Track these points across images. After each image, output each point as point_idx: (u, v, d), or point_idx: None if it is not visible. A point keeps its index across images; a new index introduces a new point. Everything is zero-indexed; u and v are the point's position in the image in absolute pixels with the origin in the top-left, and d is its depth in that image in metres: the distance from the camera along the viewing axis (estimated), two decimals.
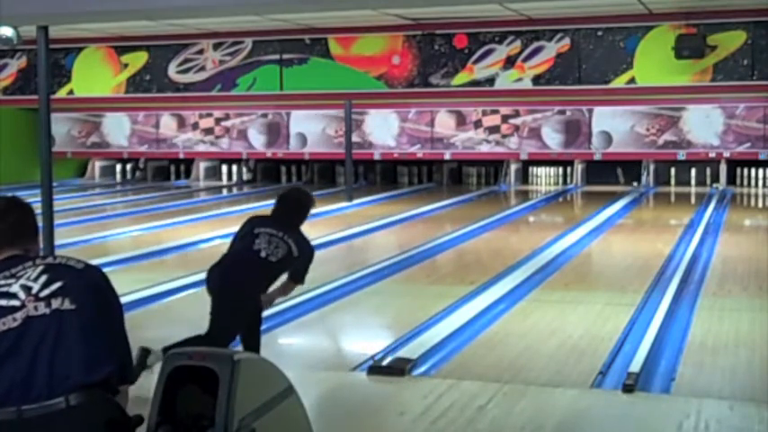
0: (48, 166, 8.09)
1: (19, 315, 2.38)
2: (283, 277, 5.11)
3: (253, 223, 5.21)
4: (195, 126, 18.49)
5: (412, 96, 16.49)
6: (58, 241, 8.05)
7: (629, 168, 16.63)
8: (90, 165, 19.66)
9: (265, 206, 14.70)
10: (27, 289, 2.43)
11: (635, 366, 5.12)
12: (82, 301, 2.43)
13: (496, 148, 16.77)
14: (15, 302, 2.40)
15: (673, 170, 16.75)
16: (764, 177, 16.27)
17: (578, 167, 16.96)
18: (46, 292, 2.42)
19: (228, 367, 2.47)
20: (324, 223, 12.24)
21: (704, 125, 15.75)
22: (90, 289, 2.49)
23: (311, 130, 17.74)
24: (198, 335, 4.81)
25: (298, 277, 5.14)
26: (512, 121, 16.62)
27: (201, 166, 18.91)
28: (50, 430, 2.30)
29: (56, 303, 2.40)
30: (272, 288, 5.07)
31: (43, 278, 2.46)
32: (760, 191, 16.10)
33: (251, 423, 2.47)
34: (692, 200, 15.17)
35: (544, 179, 17.48)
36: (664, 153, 16.10)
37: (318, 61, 16.72)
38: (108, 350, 2.44)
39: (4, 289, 2.46)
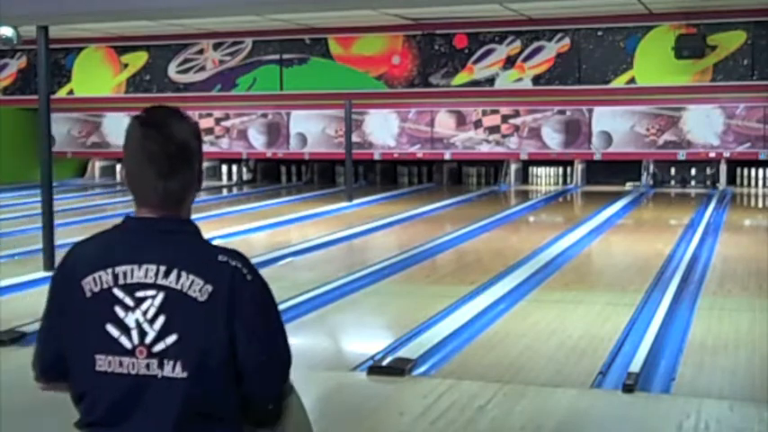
0: (48, 166, 8.10)
1: (126, 362, 2.10)
2: None
3: None
4: None
5: (412, 96, 16.49)
6: (57, 241, 8.06)
7: (628, 168, 16.62)
8: (90, 165, 19.66)
9: (265, 206, 14.78)
10: (141, 333, 2.10)
11: (635, 366, 5.12)
12: (195, 366, 2.09)
13: (496, 148, 16.77)
14: (127, 343, 2.10)
15: (673, 170, 16.75)
16: (764, 177, 16.27)
17: (578, 167, 16.96)
18: (159, 346, 2.09)
19: None
20: (324, 223, 12.24)
21: (704, 125, 15.75)
22: (208, 338, 2.11)
23: (311, 130, 17.74)
24: None
25: None
26: (512, 121, 16.61)
27: None
28: None
29: (167, 368, 2.09)
30: None
31: (160, 321, 2.10)
32: (760, 191, 16.10)
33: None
34: (692, 200, 15.16)
35: (544, 179, 17.48)
36: (664, 153, 16.09)
37: (318, 61, 16.73)
38: (216, 421, 2.14)
39: (121, 314, 2.12)
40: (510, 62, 15.75)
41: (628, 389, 4.79)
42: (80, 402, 2.17)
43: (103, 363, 2.11)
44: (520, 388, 4.93)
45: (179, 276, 2.11)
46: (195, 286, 2.10)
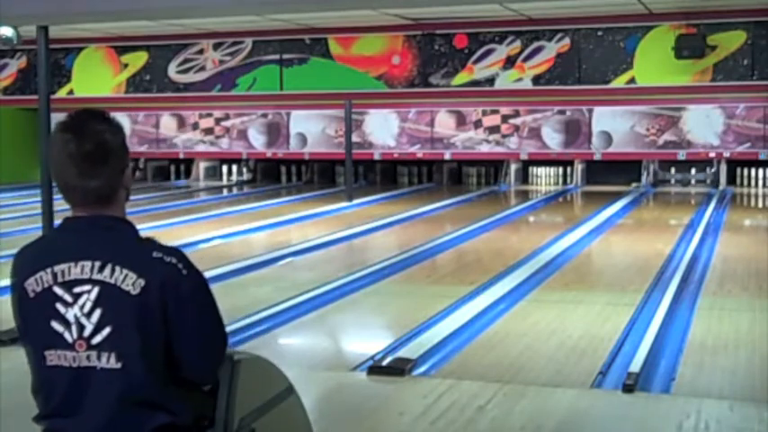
0: (48, 166, 8.09)
1: (69, 355, 2.21)
2: None
3: None
4: (195, 126, 18.50)
5: (412, 96, 16.49)
6: None
7: (628, 168, 16.63)
8: None
9: (265, 206, 14.78)
10: (80, 327, 2.21)
11: (635, 366, 5.12)
12: (129, 357, 2.20)
13: (496, 148, 16.77)
14: (69, 338, 2.22)
15: (673, 170, 16.76)
16: (764, 177, 16.27)
17: (578, 167, 16.96)
18: (97, 339, 2.20)
19: (228, 367, 2.47)
20: (324, 223, 12.24)
21: (704, 125, 15.75)
22: (141, 329, 2.20)
23: (311, 130, 17.74)
24: None
25: None
26: (512, 121, 16.61)
27: (201, 166, 18.91)
28: None
29: (104, 360, 2.20)
30: None
31: (96, 314, 2.20)
32: (760, 191, 16.10)
33: (251, 423, 2.47)
34: (692, 200, 15.17)
35: (544, 179, 17.48)
36: (664, 153, 16.10)
37: (318, 61, 16.73)
38: (155, 407, 2.24)
39: (62, 310, 2.23)
40: (510, 62, 15.75)
41: (628, 389, 4.79)
42: (37, 396, 2.29)
43: (53, 357, 2.23)
44: (520, 388, 4.93)
45: (113, 271, 2.21)
46: (128, 280, 2.20)
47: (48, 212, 8.09)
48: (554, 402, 4.72)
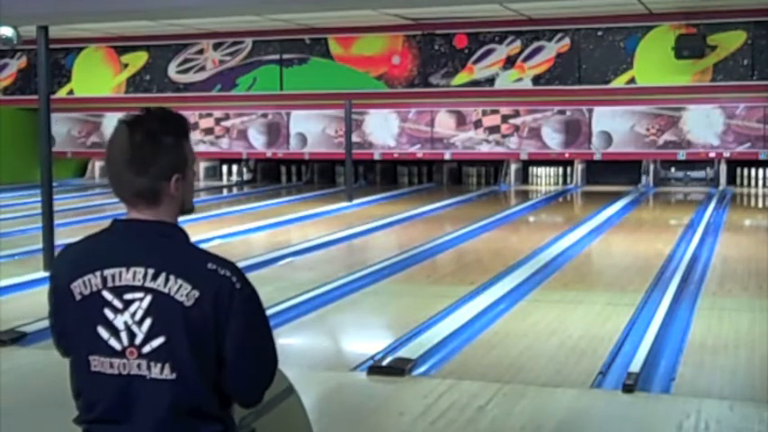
0: (48, 166, 8.10)
1: (117, 363, 2.16)
2: None
3: None
4: (195, 126, 18.49)
5: (412, 96, 16.49)
6: (57, 241, 8.05)
7: (628, 168, 16.63)
8: (90, 165, 19.66)
9: (265, 206, 14.78)
10: (130, 334, 2.15)
11: (635, 366, 5.12)
12: (183, 367, 2.14)
13: (496, 148, 16.77)
14: (116, 345, 2.15)
15: (673, 170, 16.76)
16: (764, 177, 16.27)
17: (578, 167, 16.96)
18: (147, 348, 2.14)
19: None
20: (324, 223, 12.24)
21: (704, 125, 15.75)
22: (193, 340, 2.14)
23: (311, 130, 17.74)
24: None
25: None
26: (512, 121, 16.61)
27: (201, 166, 18.91)
28: None
29: (155, 370, 2.14)
30: None
31: (148, 323, 2.14)
32: (760, 191, 16.10)
33: (251, 423, 2.47)
34: (692, 200, 15.17)
35: (544, 179, 17.48)
36: (664, 153, 16.10)
37: (318, 61, 16.73)
38: (208, 417, 2.19)
39: (110, 316, 2.16)
40: (510, 62, 15.75)
41: (628, 389, 4.79)
42: (78, 399, 2.23)
43: (97, 363, 2.17)
44: (520, 388, 4.94)
45: (167, 280, 2.14)
46: (182, 290, 2.14)
47: (48, 212, 8.10)
48: (554, 402, 4.72)
